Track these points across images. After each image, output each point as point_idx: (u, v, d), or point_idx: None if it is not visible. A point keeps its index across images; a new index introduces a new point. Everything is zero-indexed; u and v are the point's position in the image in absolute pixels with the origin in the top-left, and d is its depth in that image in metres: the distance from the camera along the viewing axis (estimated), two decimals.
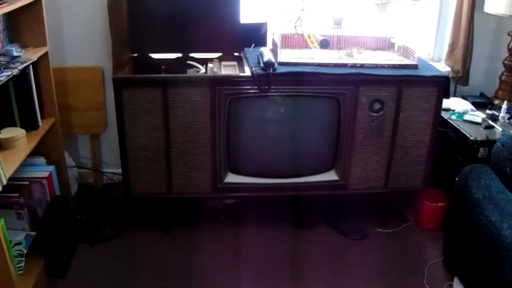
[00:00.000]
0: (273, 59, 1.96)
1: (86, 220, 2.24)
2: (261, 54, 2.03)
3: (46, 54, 1.98)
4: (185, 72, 2.23)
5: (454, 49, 2.50)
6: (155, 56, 2.29)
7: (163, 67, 2.19)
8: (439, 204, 2.25)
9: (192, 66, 2.23)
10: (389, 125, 2.05)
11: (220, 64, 2.26)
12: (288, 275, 2.00)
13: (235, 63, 2.28)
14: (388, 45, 2.30)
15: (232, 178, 2.10)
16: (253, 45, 2.28)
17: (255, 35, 2.32)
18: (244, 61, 2.18)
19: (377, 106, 2.02)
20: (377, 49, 2.30)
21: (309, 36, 2.19)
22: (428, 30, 2.63)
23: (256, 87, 1.93)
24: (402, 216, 2.37)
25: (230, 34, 2.26)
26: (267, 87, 1.92)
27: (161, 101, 1.94)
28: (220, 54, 2.31)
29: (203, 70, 2.19)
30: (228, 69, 2.21)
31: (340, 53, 2.17)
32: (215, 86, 1.94)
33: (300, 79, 1.95)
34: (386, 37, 2.31)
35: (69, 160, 2.39)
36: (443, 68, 2.53)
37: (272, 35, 2.28)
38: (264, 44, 2.35)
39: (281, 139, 2.09)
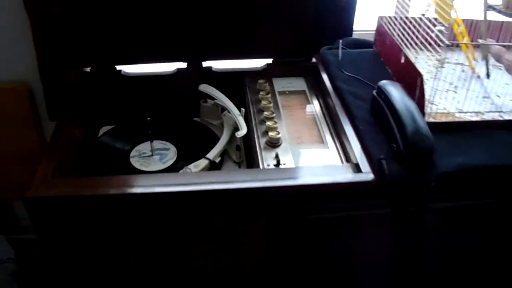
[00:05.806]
0: (426, 131, 0.76)
1: None
2: (392, 101, 0.80)
3: None
4: (198, 111, 1.05)
5: None
6: (129, 69, 1.07)
7: (148, 118, 0.96)
8: None
9: (212, 100, 1.04)
10: None
11: (273, 91, 1.05)
12: None
13: (303, 85, 1.08)
14: None
15: None
16: (339, 42, 1.05)
17: (328, 13, 1.09)
18: (326, 83, 0.98)
19: None
20: None
21: (462, 35, 0.98)
22: None
23: (387, 202, 0.77)
24: None
25: (293, 17, 1.06)
26: (417, 209, 0.76)
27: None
28: (267, 62, 1.10)
29: (241, 121, 0.97)
30: (294, 108, 1.01)
31: None
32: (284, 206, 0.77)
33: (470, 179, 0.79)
34: None
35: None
36: None
37: (379, 19, 1.05)
38: (349, 32, 1.12)
39: None
